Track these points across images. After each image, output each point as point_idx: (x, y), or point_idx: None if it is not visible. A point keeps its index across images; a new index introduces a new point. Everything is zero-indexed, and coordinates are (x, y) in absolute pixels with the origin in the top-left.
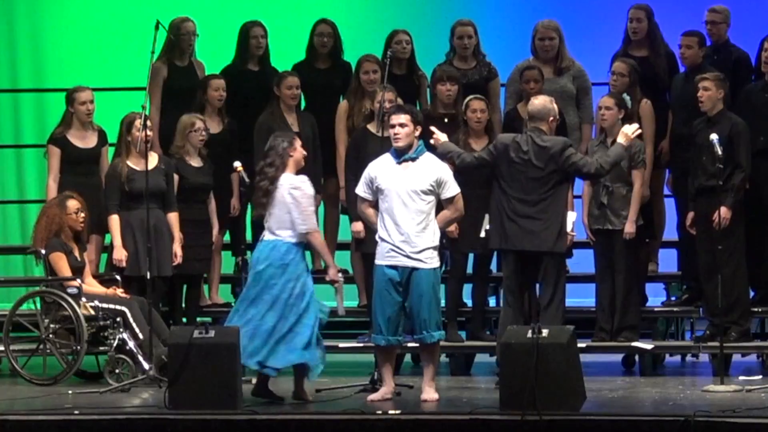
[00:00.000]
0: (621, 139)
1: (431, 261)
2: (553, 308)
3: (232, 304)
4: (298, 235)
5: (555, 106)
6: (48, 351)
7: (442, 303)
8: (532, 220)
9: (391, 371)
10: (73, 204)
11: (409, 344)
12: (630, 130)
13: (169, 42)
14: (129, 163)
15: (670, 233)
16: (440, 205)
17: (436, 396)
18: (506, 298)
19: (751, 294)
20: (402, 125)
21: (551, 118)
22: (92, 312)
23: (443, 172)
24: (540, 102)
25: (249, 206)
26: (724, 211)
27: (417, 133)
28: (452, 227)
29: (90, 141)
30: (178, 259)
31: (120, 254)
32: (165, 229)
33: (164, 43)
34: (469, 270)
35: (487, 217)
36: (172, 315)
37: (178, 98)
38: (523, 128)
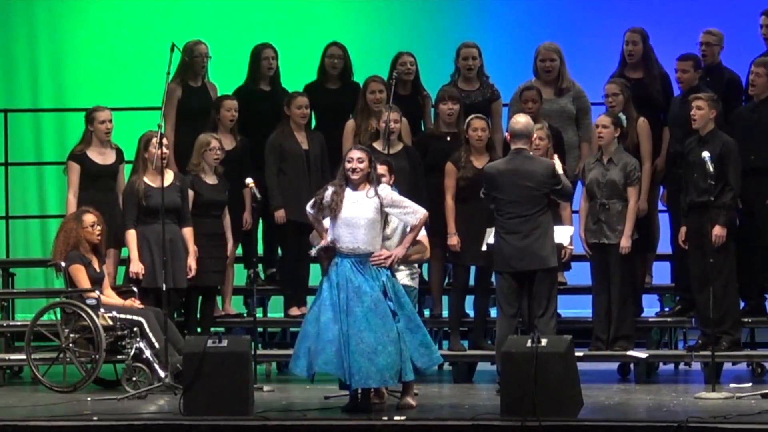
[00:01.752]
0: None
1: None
2: (547, 318)
3: (245, 315)
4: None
5: (534, 124)
6: (68, 360)
7: (445, 314)
8: (525, 238)
9: None
10: (89, 218)
11: None
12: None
13: (183, 64)
14: (146, 179)
15: (664, 247)
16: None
17: (411, 403)
18: (502, 309)
19: (742, 305)
20: (360, 160)
21: (534, 136)
22: (110, 322)
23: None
24: (524, 121)
25: (260, 221)
26: (717, 230)
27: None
28: (454, 240)
29: (108, 158)
30: (193, 272)
31: (137, 267)
32: (180, 243)
33: (179, 65)
34: (471, 282)
35: (488, 231)
36: (187, 325)
37: (191, 118)
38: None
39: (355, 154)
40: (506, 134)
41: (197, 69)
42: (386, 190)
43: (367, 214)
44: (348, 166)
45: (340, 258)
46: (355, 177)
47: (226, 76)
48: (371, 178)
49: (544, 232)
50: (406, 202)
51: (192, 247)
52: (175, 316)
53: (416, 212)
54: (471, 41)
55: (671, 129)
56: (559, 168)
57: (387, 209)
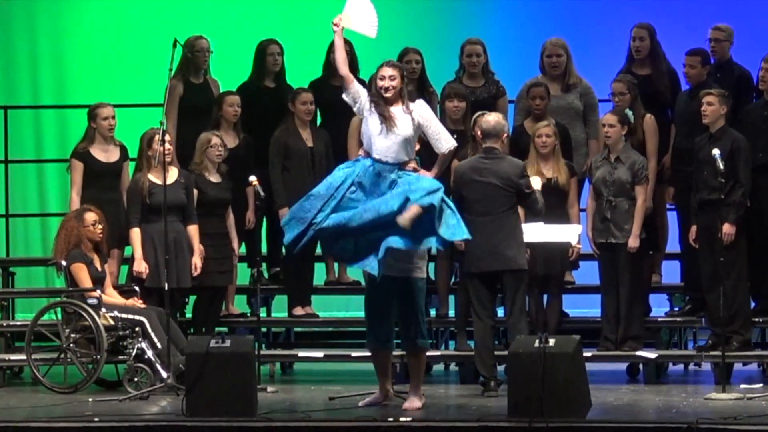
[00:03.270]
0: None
1: (421, 271)
2: (514, 319)
3: (248, 315)
4: None
5: (506, 122)
6: (69, 360)
7: (451, 313)
8: (492, 237)
9: (386, 376)
10: (90, 216)
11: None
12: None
13: (185, 59)
14: (150, 177)
15: (673, 245)
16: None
17: (417, 405)
18: (476, 312)
19: (753, 304)
20: (392, 77)
21: (504, 135)
22: (112, 322)
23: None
24: (494, 119)
25: (264, 219)
26: (727, 228)
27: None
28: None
29: (112, 155)
30: (198, 271)
31: (140, 266)
32: (184, 241)
33: (180, 61)
34: None
35: None
36: (194, 326)
37: (193, 114)
38: (476, 147)
39: (387, 71)
40: (478, 132)
41: (199, 64)
42: (424, 107)
43: (404, 131)
44: (380, 84)
45: (370, 159)
46: (388, 95)
47: (229, 71)
48: (404, 95)
49: (510, 232)
50: (441, 127)
51: (197, 246)
52: (177, 316)
53: (448, 140)
54: (475, 38)
55: (677, 125)
56: (536, 184)
57: (423, 126)
